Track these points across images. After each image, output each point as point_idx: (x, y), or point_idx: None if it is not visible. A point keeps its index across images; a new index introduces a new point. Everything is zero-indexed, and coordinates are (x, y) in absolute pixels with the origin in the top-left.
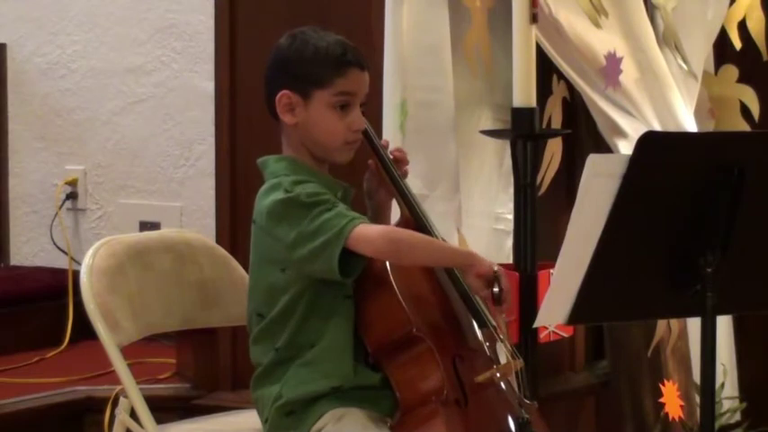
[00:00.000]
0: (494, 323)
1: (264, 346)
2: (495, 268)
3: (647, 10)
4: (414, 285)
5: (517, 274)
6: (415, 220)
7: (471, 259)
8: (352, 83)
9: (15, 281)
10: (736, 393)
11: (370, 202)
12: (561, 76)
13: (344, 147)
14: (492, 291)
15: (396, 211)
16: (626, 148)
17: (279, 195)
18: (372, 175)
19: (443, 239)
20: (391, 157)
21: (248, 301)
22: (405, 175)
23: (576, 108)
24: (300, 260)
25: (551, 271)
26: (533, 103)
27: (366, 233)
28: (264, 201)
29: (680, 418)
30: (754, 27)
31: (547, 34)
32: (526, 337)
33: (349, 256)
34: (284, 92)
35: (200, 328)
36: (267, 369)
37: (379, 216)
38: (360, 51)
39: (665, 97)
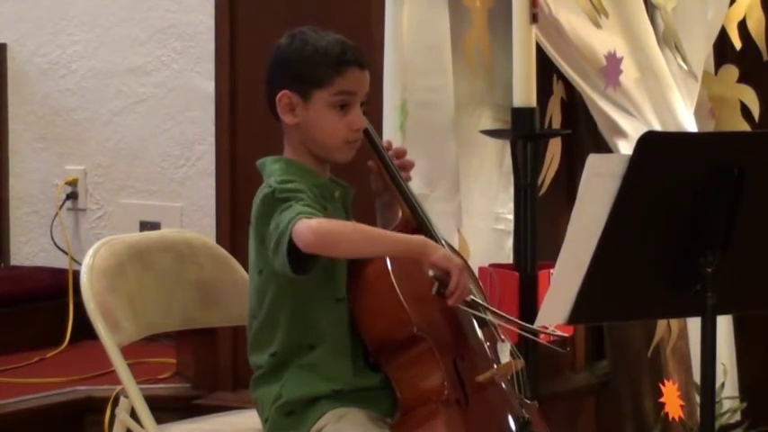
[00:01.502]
0: (495, 323)
1: (260, 352)
2: (450, 261)
3: (647, 10)
4: (414, 285)
5: (517, 274)
6: (416, 220)
7: (422, 248)
8: (352, 82)
9: (15, 281)
10: (736, 393)
11: (378, 201)
12: (560, 77)
13: (345, 146)
14: (435, 285)
15: None
16: (626, 148)
17: (264, 192)
18: (377, 177)
19: (444, 240)
20: (396, 163)
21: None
22: (407, 180)
23: (575, 108)
24: (270, 256)
25: (551, 271)
26: (533, 103)
27: (299, 228)
28: (256, 200)
29: (680, 418)
30: (754, 27)
31: (547, 34)
32: (526, 337)
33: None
34: (284, 92)
35: (200, 328)
36: (267, 370)
37: (388, 215)
38: (359, 50)
39: (665, 97)
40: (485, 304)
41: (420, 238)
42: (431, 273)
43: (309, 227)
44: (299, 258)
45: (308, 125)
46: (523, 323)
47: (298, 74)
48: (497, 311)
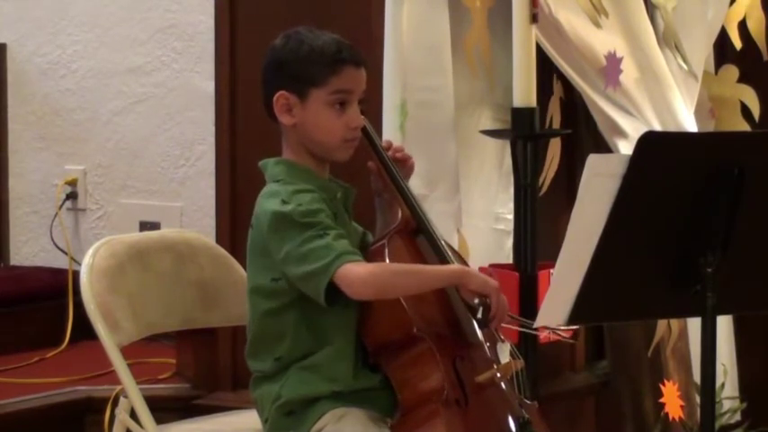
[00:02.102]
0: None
1: (263, 357)
2: (487, 285)
3: (647, 10)
4: None
5: (517, 274)
6: (416, 220)
7: (461, 278)
8: (348, 80)
9: (15, 281)
10: (736, 393)
11: (378, 201)
12: (559, 77)
13: (343, 145)
14: (480, 310)
15: None
16: (626, 148)
17: (276, 206)
18: (377, 177)
19: (444, 240)
20: (396, 156)
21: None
22: (409, 173)
23: (575, 108)
24: (292, 278)
25: (551, 271)
26: (533, 103)
27: (349, 276)
28: (264, 206)
29: (680, 418)
30: (754, 27)
31: (547, 34)
32: (526, 338)
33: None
34: (281, 92)
35: (200, 328)
36: (268, 371)
37: (388, 215)
38: (356, 49)
39: (665, 97)
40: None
41: (458, 268)
42: (476, 300)
43: (360, 277)
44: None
45: (306, 125)
46: (529, 323)
47: (294, 74)
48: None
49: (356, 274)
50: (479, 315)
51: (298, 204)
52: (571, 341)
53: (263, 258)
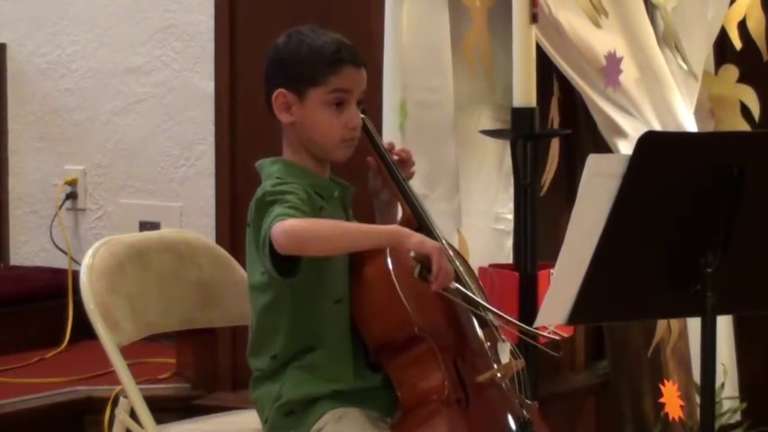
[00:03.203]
0: (496, 323)
1: (261, 356)
2: (424, 245)
3: (647, 10)
4: (416, 285)
5: (517, 274)
6: (416, 218)
7: (397, 237)
8: (347, 80)
9: (15, 281)
10: (736, 393)
11: (376, 200)
12: (558, 77)
13: (341, 144)
14: (417, 267)
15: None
16: (626, 148)
17: (254, 199)
18: (375, 174)
19: (444, 239)
20: (395, 158)
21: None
22: (409, 177)
23: (575, 108)
24: (263, 262)
25: (551, 271)
26: (533, 103)
27: (275, 231)
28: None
29: (680, 418)
30: (754, 27)
31: (547, 34)
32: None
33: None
34: (280, 91)
35: (200, 328)
36: (267, 371)
37: (386, 214)
38: (356, 49)
39: (665, 97)
40: (484, 303)
41: (392, 227)
42: (412, 255)
43: (282, 228)
44: (284, 261)
45: (305, 124)
46: (522, 325)
47: (293, 73)
48: (497, 311)
49: (280, 226)
50: (416, 273)
51: (272, 187)
52: (555, 354)
53: (255, 252)
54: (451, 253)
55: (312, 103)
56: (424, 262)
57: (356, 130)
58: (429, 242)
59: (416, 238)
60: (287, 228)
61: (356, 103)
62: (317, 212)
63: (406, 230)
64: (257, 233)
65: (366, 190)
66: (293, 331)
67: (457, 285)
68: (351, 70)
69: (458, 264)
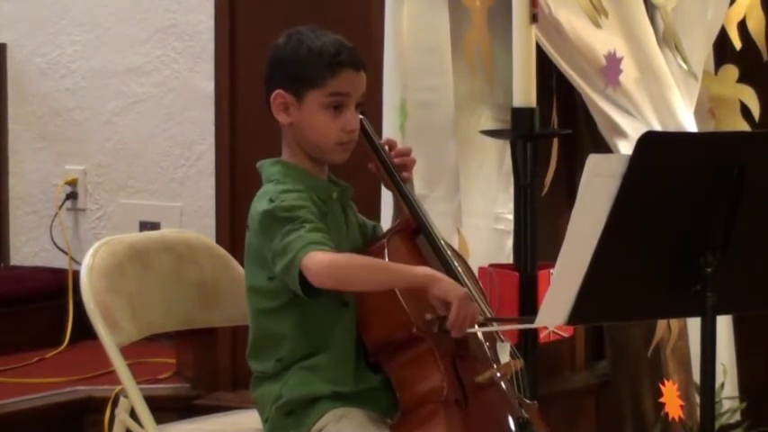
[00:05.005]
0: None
1: (265, 358)
2: (450, 293)
3: (647, 10)
4: None
5: (517, 274)
6: (416, 219)
7: (427, 282)
8: (345, 83)
9: (15, 281)
10: (736, 393)
11: (394, 196)
12: (558, 77)
13: (338, 147)
14: (437, 316)
15: None
16: (626, 148)
17: (264, 206)
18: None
19: (444, 240)
20: (396, 161)
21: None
22: (406, 180)
23: (575, 108)
24: (277, 274)
25: (551, 271)
26: (533, 103)
27: (310, 263)
28: (255, 207)
29: (680, 418)
30: (754, 27)
31: (547, 34)
32: (526, 337)
33: None
34: (278, 91)
35: (200, 328)
36: (268, 372)
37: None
38: (356, 51)
39: (665, 97)
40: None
41: (426, 270)
42: (427, 316)
43: (321, 264)
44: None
45: (302, 125)
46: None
47: (292, 74)
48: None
49: (318, 261)
50: (434, 328)
51: (282, 201)
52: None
53: (258, 258)
54: (450, 253)
55: (310, 105)
56: (441, 318)
57: (353, 133)
58: (454, 291)
59: (443, 285)
60: (327, 264)
61: (355, 106)
62: (323, 220)
63: (437, 274)
64: (264, 243)
65: (365, 190)
66: (300, 335)
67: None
68: (349, 73)
69: (456, 264)
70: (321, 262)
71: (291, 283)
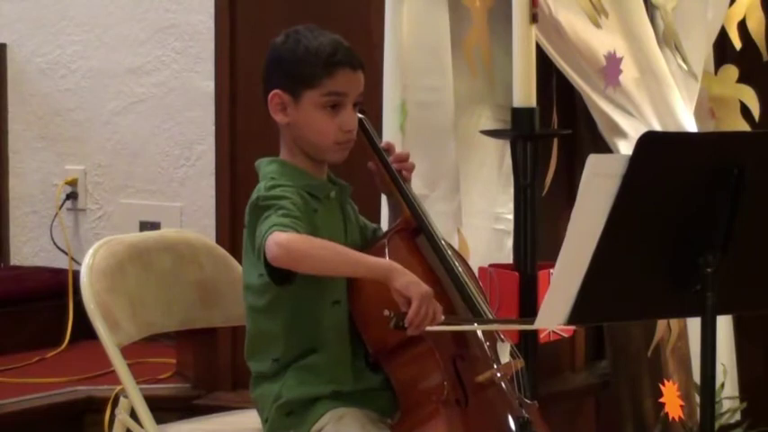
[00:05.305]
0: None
1: (261, 358)
2: (409, 289)
3: (647, 10)
4: None
5: (517, 274)
6: (416, 219)
7: (386, 273)
8: (342, 83)
9: (15, 281)
10: (736, 393)
11: (388, 200)
12: (558, 77)
13: (335, 147)
14: (396, 312)
15: None
16: (626, 148)
17: (251, 200)
18: (378, 176)
19: (444, 240)
20: (395, 166)
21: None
22: (406, 181)
23: (575, 108)
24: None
25: (551, 271)
26: (533, 103)
27: (270, 242)
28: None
29: (680, 418)
30: (754, 27)
31: (547, 34)
32: (526, 337)
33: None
34: (276, 91)
35: (200, 328)
36: (266, 372)
37: (398, 215)
38: (353, 51)
39: (665, 97)
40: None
41: (386, 263)
42: (385, 312)
43: (278, 242)
44: (280, 269)
45: (299, 125)
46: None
47: (289, 73)
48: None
49: (276, 240)
50: (392, 324)
51: (266, 192)
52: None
53: (251, 255)
54: (451, 253)
55: (307, 105)
56: (399, 315)
57: (351, 133)
58: (415, 287)
59: (405, 279)
60: (282, 242)
61: (353, 105)
62: (310, 215)
63: (400, 269)
64: (252, 236)
65: (365, 189)
66: (292, 333)
67: (443, 318)
68: (347, 73)
69: (457, 264)
70: (279, 240)
71: (264, 268)
